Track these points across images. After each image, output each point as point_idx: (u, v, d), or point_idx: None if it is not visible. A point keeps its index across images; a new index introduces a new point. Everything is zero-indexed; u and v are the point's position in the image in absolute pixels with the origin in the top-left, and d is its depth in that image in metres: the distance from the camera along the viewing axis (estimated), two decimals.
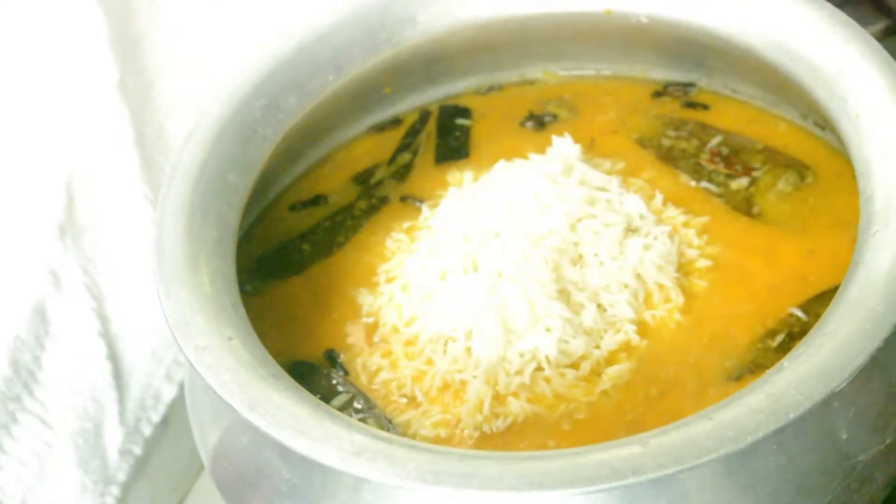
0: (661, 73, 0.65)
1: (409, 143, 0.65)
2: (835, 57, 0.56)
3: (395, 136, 0.66)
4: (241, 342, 0.51)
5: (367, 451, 0.46)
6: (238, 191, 0.57)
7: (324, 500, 0.49)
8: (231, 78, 0.60)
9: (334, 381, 0.56)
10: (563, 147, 0.59)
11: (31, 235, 0.68)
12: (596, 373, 0.54)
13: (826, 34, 0.56)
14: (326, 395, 0.55)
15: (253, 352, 0.51)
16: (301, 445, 0.47)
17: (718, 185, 0.60)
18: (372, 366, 0.56)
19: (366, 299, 0.58)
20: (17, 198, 0.69)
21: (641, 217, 0.57)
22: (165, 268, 0.53)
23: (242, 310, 0.53)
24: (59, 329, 0.66)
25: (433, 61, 0.65)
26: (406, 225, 0.61)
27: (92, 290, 0.67)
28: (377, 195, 0.63)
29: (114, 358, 0.66)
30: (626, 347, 0.55)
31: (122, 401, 0.66)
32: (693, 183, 0.60)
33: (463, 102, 0.66)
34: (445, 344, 0.55)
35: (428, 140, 0.65)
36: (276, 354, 0.52)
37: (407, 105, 0.67)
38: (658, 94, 0.65)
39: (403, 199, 0.63)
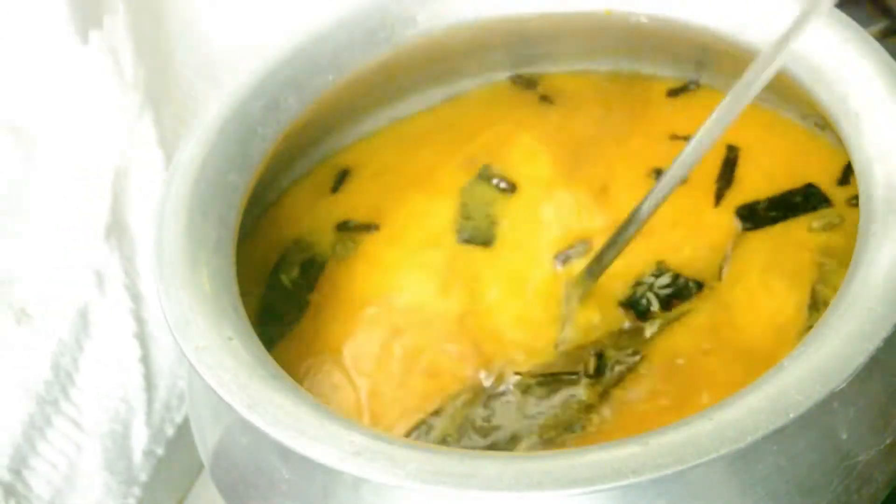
0: (663, 73, 0.65)
1: None
2: (834, 57, 0.55)
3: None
4: (241, 342, 0.51)
5: (366, 451, 0.46)
6: (238, 191, 0.57)
7: (324, 500, 0.49)
8: (231, 78, 0.60)
9: None
10: None
11: (80, 236, 0.68)
12: None
13: (826, 34, 0.56)
14: None
15: (253, 352, 0.51)
16: (301, 445, 0.47)
17: None
18: None
19: None
20: (67, 197, 0.69)
21: None
22: (165, 268, 0.53)
23: (242, 310, 0.53)
24: (99, 331, 0.66)
25: (434, 61, 0.65)
26: None
27: (131, 292, 0.67)
28: None
29: (146, 360, 0.66)
30: None
31: (150, 402, 0.66)
32: None
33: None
34: None
35: None
36: None
37: (409, 106, 0.66)
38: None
39: None
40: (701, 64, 0.63)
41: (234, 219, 0.56)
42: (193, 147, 0.57)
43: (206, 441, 0.54)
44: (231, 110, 0.59)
